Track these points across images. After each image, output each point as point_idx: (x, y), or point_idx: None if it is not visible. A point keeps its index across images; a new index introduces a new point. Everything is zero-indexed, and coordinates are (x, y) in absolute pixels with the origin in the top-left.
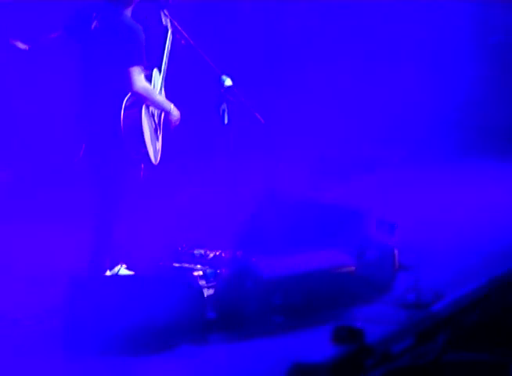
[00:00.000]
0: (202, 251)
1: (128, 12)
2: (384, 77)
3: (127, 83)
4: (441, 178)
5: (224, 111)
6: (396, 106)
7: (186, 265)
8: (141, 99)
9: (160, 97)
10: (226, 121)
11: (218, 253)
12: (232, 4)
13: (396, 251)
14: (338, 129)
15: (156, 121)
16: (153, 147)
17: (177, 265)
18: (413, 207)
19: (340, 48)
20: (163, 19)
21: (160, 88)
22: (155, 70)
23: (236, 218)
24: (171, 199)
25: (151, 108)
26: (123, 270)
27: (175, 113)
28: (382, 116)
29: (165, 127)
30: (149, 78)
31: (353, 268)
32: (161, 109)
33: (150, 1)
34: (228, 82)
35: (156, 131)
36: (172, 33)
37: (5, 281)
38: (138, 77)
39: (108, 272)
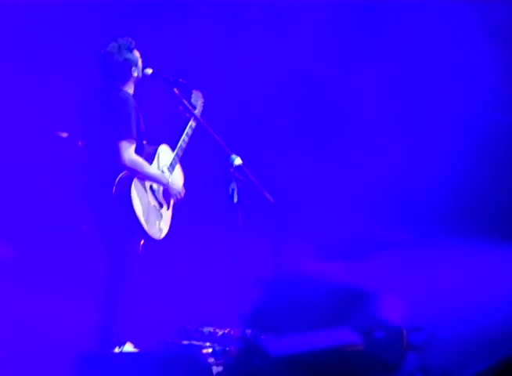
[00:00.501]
0: (211, 329)
1: (128, 87)
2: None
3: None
4: (444, 258)
5: (233, 190)
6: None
7: (195, 342)
8: (132, 173)
9: (154, 171)
10: (236, 200)
11: (226, 331)
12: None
13: (405, 331)
14: (345, 209)
15: (160, 197)
16: (152, 222)
17: (186, 342)
18: (422, 286)
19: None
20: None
21: (171, 166)
22: (163, 146)
23: (245, 296)
24: (180, 276)
25: (154, 184)
26: (131, 347)
27: (174, 187)
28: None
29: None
30: (151, 152)
31: (361, 347)
32: (157, 182)
33: (160, 80)
34: (237, 161)
35: (160, 206)
36: (182, 111)
37: (13, 356)
38: (127, 151)
39: (116, 350)
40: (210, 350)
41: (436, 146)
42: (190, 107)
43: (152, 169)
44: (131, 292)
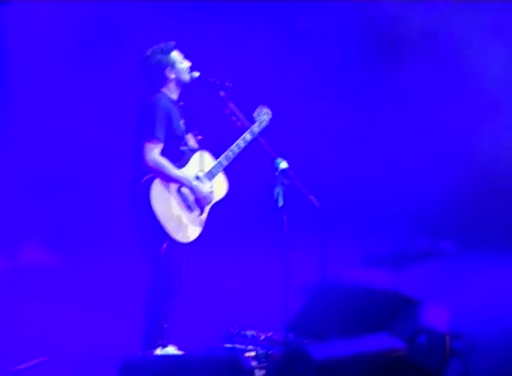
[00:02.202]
0: (254, 332)
1: (167, 89)
2: None
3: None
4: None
5: (279, 194)
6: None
7: (238, 346)
8: (156, 174)
9: (178, 172)
10: (281, 204)
11: (269, 334)
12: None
13: (447, 337)
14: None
15: (191, 201)
16: (176, 225)
17: (229, 345)
18: (466, 293)
19: None
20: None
21: (210, 173)
22: (201, 152)
23: (289, 300)
24: (224, 279)
25: (184, 188)
26: (174, 350)
27: (199, 190)
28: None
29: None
30: (187, 157)
31: (404, 352)
32: (182, 184)
33: (208, 83)
34: (283, 165)
35: (189, 209)
36: (228, 115)
37: (58, 359)
38: (150, 152)
39: (159, 352)
40: (252, 354)
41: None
42: (238, 111)
43: (175, 171)
44: (173, 294)
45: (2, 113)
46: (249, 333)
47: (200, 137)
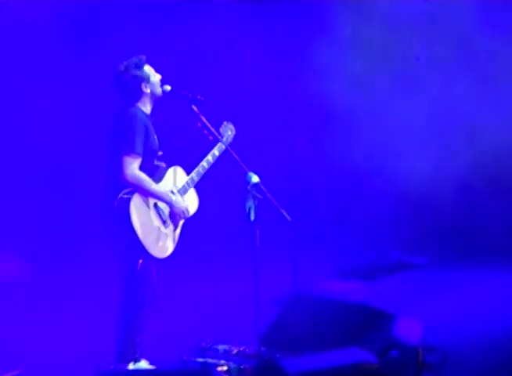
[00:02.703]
0: (226, 347)
1: (142, 104)
2: None
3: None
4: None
5: (250, 208)
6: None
7: (210, 360)
8: (134, 189)
9: (157, 187)
10: (253, 218)
11: (242, 348)
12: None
13: (420, 351)
14: (362, 229)
15: (166, 216)
16: (153, 240)
17: (201, 360)
18: (437, 306)
19: None
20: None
21: (182, 188)
22: (175, 168)
23: (261, 314)
24: (196, 293)
25: (160, 203)
26: (146, 364)
27: (178, 205)
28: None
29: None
30: (162, 172)
31: (376, 366)
32: (159, 199)
33: (180, 97)
34: (254, 179)
35: (165, 224)
36: (200, 129)
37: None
38: (129, 166)
39: (131, 366)
40: (225, 368)
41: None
42: (210, 125)
43: (154, 186)
44: (144, 308)
45: None
46: (221, 347)
47: (211, 138)
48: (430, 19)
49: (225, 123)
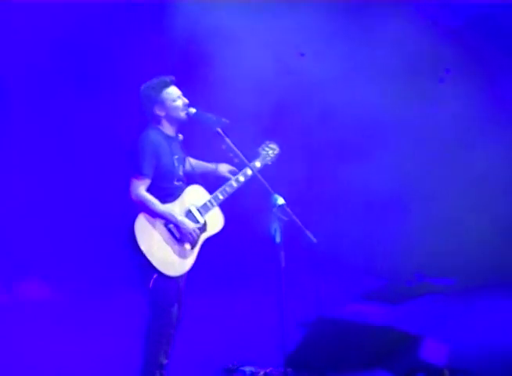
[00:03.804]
0: (252, 368)
1: (162, 126)
2: None
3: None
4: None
5: (276, 230)
6: None
7: None
8: (141, 209)
9: (164, 208)
10: (278, 240)
11: (268, 370)
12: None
13: (446, 373)
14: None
15: (178, 234)
16: (163, 258)
17: None
18: (464, 328)
19: None
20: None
21: (203, 207)
22: (194, 186)
23: (287, 336)
24: (222, 314)
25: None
26: None
27: (183, 226)
28: None
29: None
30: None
31: None
32: (164, 219)
33: (205, 119)
34: (280, 201)
35: (179, 242)
36: (226, 151)
37: None
38: (136, 187)
39: None
40: None
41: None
42: (235, 148)
43: (160, 206)
44: (171, 329)
45: None
46: (247, 369)
47: (236, 160)
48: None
49: (266, 142)
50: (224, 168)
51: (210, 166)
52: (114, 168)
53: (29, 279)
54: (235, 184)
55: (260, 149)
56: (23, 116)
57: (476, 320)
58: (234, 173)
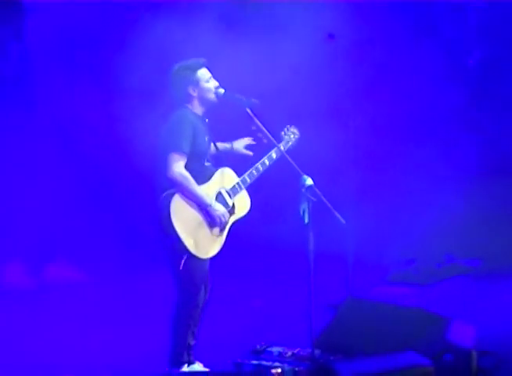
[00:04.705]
0: (280, 349)
1: (192, 106)
2: None
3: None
4: None
5: (304, 211)
6: None
7: (264, 362)
8: (177, 187)
9: (199, 189)
10: (307, 221)
11: (296, 351)
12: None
13: (474, 354)
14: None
15: (208, 218)
16: (196, 240)
17: (255, 362)
18: (492, 310)
19: None
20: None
21: (232, 190)
22: (224, 169)
23: (316, 317)
24: (251, 295)
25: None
26: (200, 367)
27: (216, 209)
28: None
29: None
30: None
31: (430, 370)
32: (197, 202)
33: (234, 100)
34: (309, 182)
35: (211, 226)
36: (254, 132)
37: None
38: (175, 164)
39: (185, 369)
40: (279, 370)
41: None
42: (264, 129)
43: (196, 187)
44: (196, 309)
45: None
46: (275, 349)
47: (265, 141)
48: None
49: (287, 126)
50: (239, 145)
51: (226, 145)
52: (144, 148)
53: (58, 261)
54: (261, 167)
55: (282, 133)
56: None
57: (504, 302)
58: (250, 148)
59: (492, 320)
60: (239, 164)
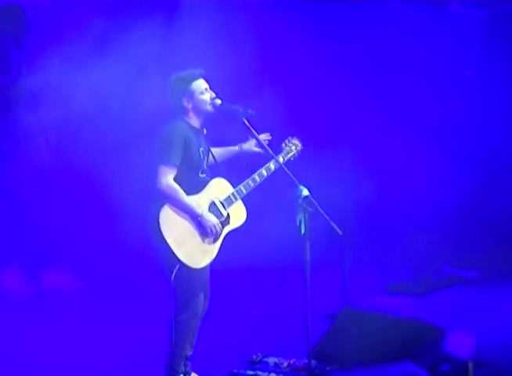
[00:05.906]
0: (276, 360)
1: (188, 117)
2: None
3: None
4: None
5: (301, 221)
6: None
7: (260, 373)
8: (166, 198)
9: (188, 200)
10: (303, 231)
11: (292, 361)
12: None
13: (471, 365)
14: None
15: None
16: (187, 249)
17: (251, 372)
18: (489, 321)
19: None
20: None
21: (227, 200)
22: (218, 179)
23: (312, 327)
24: (246, 306)
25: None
26: None
27: (207, 219)
28: None
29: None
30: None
31: None
32: (188, 212)
33: (231, 111)
34: (305, 192)
35: (203, 235)
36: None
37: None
38: (164, 176)
39: None
40: None
41: None
42: (259, 138)
43: (186, 198)
44: (195, 321)
45: None
46: (271, 360)
47: (262, 152)
48: None
49: (289, 138)
50: (249, 146)
51: (233, 149)
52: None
53: (55, 268)
54: (258, 178)
55: (283, 144)
56: None
57: (501, 313)
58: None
59: (489, 331)
60: (237, 175)
